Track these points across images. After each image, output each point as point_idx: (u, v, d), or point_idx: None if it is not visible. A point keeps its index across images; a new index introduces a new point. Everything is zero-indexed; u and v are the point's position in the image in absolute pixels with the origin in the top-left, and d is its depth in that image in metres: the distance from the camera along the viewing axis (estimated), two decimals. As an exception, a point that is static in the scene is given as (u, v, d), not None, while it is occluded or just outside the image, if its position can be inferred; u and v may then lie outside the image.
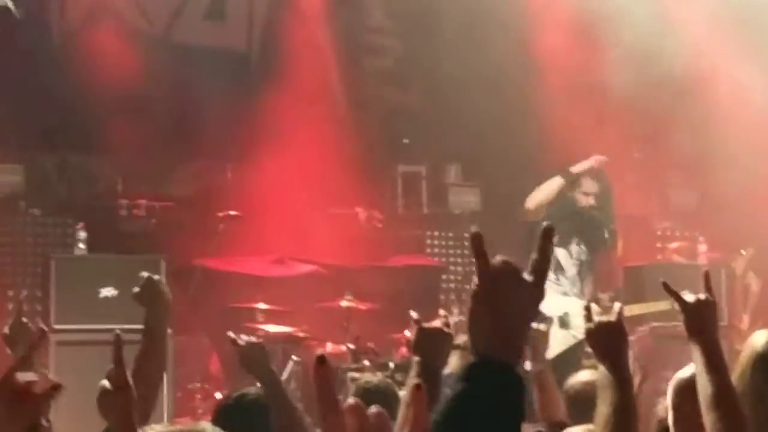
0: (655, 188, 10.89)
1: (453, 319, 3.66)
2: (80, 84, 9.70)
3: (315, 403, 1.57)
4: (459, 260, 10.67)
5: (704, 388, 3.09)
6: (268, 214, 9.56)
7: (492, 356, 1.85)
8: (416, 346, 3.40)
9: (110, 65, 9.85)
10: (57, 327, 8.21)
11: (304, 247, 9.80)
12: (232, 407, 4.41)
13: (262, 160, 9.95)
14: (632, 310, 7.80)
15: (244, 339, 4.37)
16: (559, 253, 8.43)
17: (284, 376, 7.61)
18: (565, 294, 8.27)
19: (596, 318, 3.16)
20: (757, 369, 3.28)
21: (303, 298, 8.77)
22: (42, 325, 4.73)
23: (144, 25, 10.90)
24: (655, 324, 8.43)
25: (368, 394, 4.62)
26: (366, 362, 7.89)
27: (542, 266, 1.91)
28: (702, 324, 3.22)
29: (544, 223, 1.93)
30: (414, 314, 3.49)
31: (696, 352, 3.17)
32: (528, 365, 4.68)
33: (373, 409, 1.60)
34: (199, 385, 8.88)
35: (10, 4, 4.24)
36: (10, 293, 8.98)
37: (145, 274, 4.25)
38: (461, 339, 4.70)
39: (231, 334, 4.32)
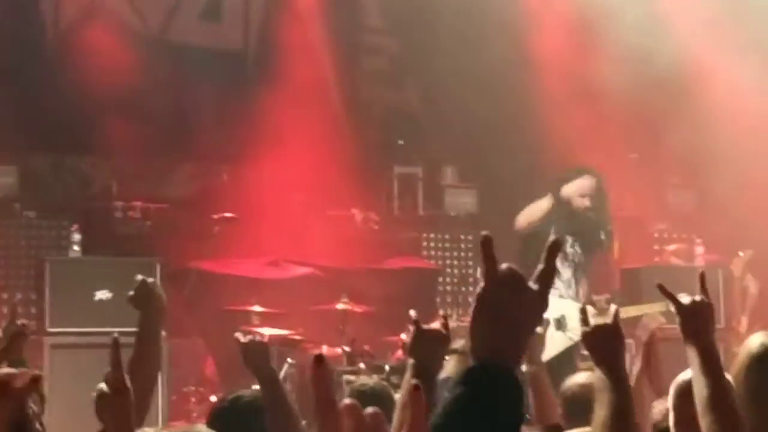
0: (652, 190, 10.87)
1: (451, 324, 3.62)
2: (75, 85, 9.68)
3: (310, 405, 1.56)
4: (455, 262, 10.65)
5: (700, 391, 3.09)
6: (263, 216, 9.54)
7: (492, 360, 1.86)
8: (412, 348, 3.36)
9: (105, 66, 9.83)
10: (51, 330, 8.18)
11: (300, 250, 9.78)
12: (227, 410, 4.39)
13: (258, 162, 9.94)
14: (627, 311, 7.78)
15: (248, 337, 4.38)
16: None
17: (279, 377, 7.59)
18: (561, 297, 8.25)
19: (592, 321, 3.14)
20: (753, 371, 3.29)
21: (298, 301, 8.75)
22: (24, 321, 4.73)
23: (139, 25, 10.88)
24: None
25: (363, 397, 4.60)
26: (361, 365, 7.87)
27: (548, 276, 1.94)
28: (698, 326, 3.21)
29: (552, 237, 1.96)
30: (413, 313, 3.44)
31: (692, 355, 3.16)
32: (523, 367, 4.66)
33: (370, 409, 1.59)
34: (193, 388, 8.85)
35: None
36: (5, 296, 8.96)
37: (139, 277, 4.24)
38: (458, 343, 4.68)
39: (238, 335, 4.34)
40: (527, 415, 4.52)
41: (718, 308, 8.62)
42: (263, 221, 9.50)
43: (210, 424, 4.35)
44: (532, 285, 1.93)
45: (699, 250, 10.02)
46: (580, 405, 4.05)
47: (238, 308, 8.53)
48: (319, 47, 10.96)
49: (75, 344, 8.05)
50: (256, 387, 4.46)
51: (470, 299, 9.94)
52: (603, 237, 8.72)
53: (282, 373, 7.94)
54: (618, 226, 9.56)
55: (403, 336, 7.86)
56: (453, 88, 10.75)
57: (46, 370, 7.96)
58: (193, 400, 8.73)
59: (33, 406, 3.06)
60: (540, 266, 1.96)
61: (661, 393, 3.58)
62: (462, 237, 10.72)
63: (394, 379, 7.00)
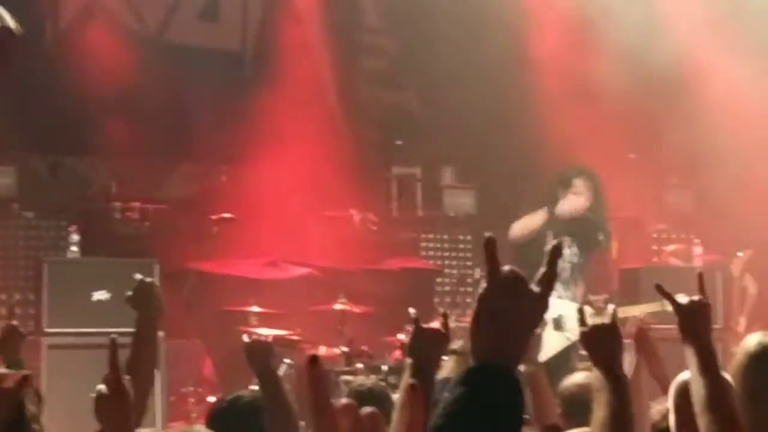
0: (650, 190, 10.87)
1: (450, 324, 3.62)
2: (73, 85, 9.68)
3: (307, 404, 1.55)
4: (454, 263, 10.64)
5: (698, 391, 3.09)
6: (262, 216, 9.53)
7: (492, 361, 1.87)
8: (411, 347, 3.35)
9: (103, 66, 9.82)
10: (49, 330, 8.18)
11: (298, 250, 9.78)
12: (226, 410, 4.39)
13: (256, 162, 9.93)
14: (625, 311, 7.78)
15: (252, 337, 4.41)
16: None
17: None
18: (559, 297, 8.24)
19: (590, 321, 3.14)
20: (750, 370, 3.29)
21: (297, 301, 8.74)
22: (14, 322, 4.73)
23: (137, 26, 10.87)
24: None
25: (361, 397, 4.60)
26: (359, 365, 7.86)
27: (549, 279, 1.97)
28: (696, 326, 3.21)
29: (554, 240, 1.99)
30: (413, 311, 3.43)
31: (690, 355, 3.16)
32: (521, 367, 4.64)
33: (367, 409, 1.59)
34: (192, 388, 8.85)
35: (11, 23, 4.10)
36: (3, 297, 8.95)
37: (138, 276, 4.24)
38: (457, 344, 4.67)
39: (245, 337, 4.37)
40: (527, 416, 4.52)
41: (717, 308, 8.66)
42: (262, 222, 9.50)
43: (209, 425, 4.35)
44: (534, 287, 1.95)
45: (697, 250, 10.01)
46: (578, 405, 4.05)
47: (236, 309, 8.53)
48: (318, 47, 10.96)
49: (73, 345, 8.05)
50: (255, 387, 4.46)
51: (468, 300, 9.98)
52: (601, 237, 8.72)
53: (280, 374, 7.94)
54: (617, 226, 9.56)
55: (401, 336, 7.88)
56: (451, 88, 10.74)
57: (43, 370, 7.96)
58: (192, 400, 8.73)
59: (31, 407, 3.05)
60: (542, 269, 1.98)
61: (666, 389, 3.57)
62: (461, 237, 10.71)
63: (392, 379, 6.99)
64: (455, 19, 10.48)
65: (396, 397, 3.85)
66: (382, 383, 5.50)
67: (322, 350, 8.18)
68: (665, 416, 3.49)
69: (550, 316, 8.17)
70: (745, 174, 9.60)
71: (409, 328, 3.44)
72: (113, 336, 3.00)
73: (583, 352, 3.27)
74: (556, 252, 2.01)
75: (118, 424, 2.98)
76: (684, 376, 3.30)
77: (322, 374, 1.56)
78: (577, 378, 4.58)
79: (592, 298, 8.10)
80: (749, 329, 8.59)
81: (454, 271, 10.52)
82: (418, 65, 11.46)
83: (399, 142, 11.12)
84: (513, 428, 1.86)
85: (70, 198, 10.17)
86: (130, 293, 4.18)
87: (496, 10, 10.12)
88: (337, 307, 8.36)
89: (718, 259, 9.91)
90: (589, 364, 3.20)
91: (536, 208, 8.65)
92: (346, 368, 7.81)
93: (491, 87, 10.31)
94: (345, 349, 8.07)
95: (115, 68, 9.84)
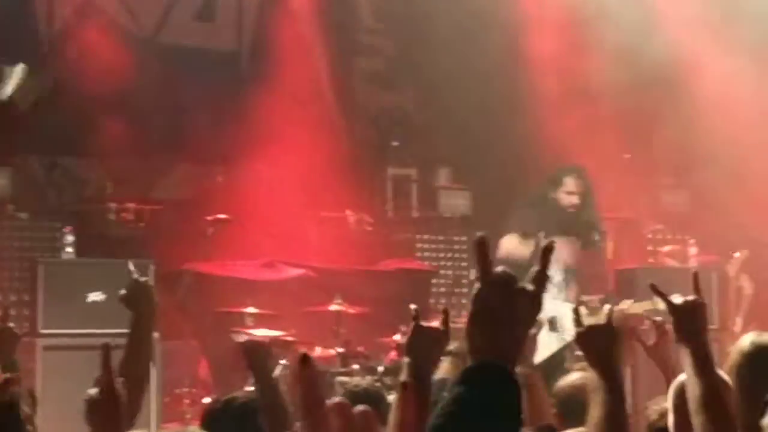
0: (645, 191, 10.87)
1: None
2: (68, 86, 9.66)
3: (299, 402, 1.55)
4: (449, 264, 10.64)
5: (693, 390, 3.09)
6: (257, 217, 9.53)
7: (490, 360, 1.88)
8: (409, 344, 3.30)
9: (99, 67, 9.82)
10: (44, 332, 8.16)
11: (294, 251, 9.77)
12: (221, 411, 4.38)
13: (252, 163, 9.92)
14: (627, 309, 7.80)
15: (244, 338, 4.39)
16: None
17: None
18: (554, 298, 8.24)
19: (586, 321, 3.14)
20: (744, 369, 3.30)
21: (292, 302, 8.73)
22: (9, 324, 4.71)
23: (133, 26, 10.87)
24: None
25: (356, 398, 4.58)
26: (355, 366, 7.85)
27: (542, 278, 1.98)
28: (691, 326, 3.20)
29: (546, 240, 2.00)
30: (414, 307, 3.38)
31: (685, 355, 3.16)
32: (517, 368, 4.63)
33: (360, 407, 1.59)
34: (187, 389, 8.84)
35: (9, 89, 3.95)
36: (-2, 297, 8.93)
37: (132, 267, 4.20)
38: (452, 345, 4.65)
39: (239, 337, 4.34)
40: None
41: (712, 309, 8.66)
42: (257, 223, 9.49)
43: (203, 426, 4.34)
44: (527, 286, 1.96)
45: (693, 251, 10.02)
46: (573, 405, 4.04)
47: (232, 310, 8.52)
48: (314, 48, 10.95)
49: (68, 346, 8.03)
50: (250, 389, 4.45)
51: (464, 301, 9.97)
52: (597, 238, 8.72)
53: (275, 375, 7.93)
54: (612, 227, 9.55)
55: (397, 337, 7.87)
56: (447, 89, 10.75)
57: (38, 372, 7.94)
58: (187, 401, 8.72)
59: (25, 408, 3.04)
60: (534, 269, 1.99)
61: (670, 379, 3.57)
62: (456, 238, 10.71)
63: (387, 380, 6.99)
64: (451, 21, 10.48)
65: (392, 398, 3.84)
66: (378, 384, 5.49)
67: (318, 351, 8.18)
68: (663, 415, 3.49)
69: (544, 317, 8.17)
70: (740, 174, 9.61)
71: (405, 328, 3.40)
72: (106, 341, 2.98)
73: (579, 353, 3.26)
74: (548, 252, 2.01)
75: (109, 429, 2.96)
76: (683, 376, 3.30)
77: (313, 373, 1.56)
78: (572, 378, 4.57)
79: (585, 298, 8.08)
80: (745, 329, 8.58)
81: (450, 272, 10.51)
82: (414, 66, 11.46)
83: (395, 143, 11.12)
84: (512, 427, 1.87)
85: (66, 199, 10.17)
86: (123, 292, 4.15)
87: (492, 12, 10.12)
88: (333, 308, 8.35)
89: (714, 260, 9.91)
90: (584, 364, 3.19)
91: (528, 208, 8.64)
92: (342, 369, 7.81)
93: (487, 88, 10.31)
94: (340, 349, 8.07)
95: (110, 69, 9.84)
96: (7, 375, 2.27)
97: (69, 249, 8.77)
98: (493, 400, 1.85)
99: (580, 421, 3.28)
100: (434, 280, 10.45)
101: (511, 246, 8.30)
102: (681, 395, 3.28)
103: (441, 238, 10.74)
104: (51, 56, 10.33)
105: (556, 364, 7.80)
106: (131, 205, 9.94)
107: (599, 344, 3.08)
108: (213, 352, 8.95)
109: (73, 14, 10.61)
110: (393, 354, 8.03)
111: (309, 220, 10.16)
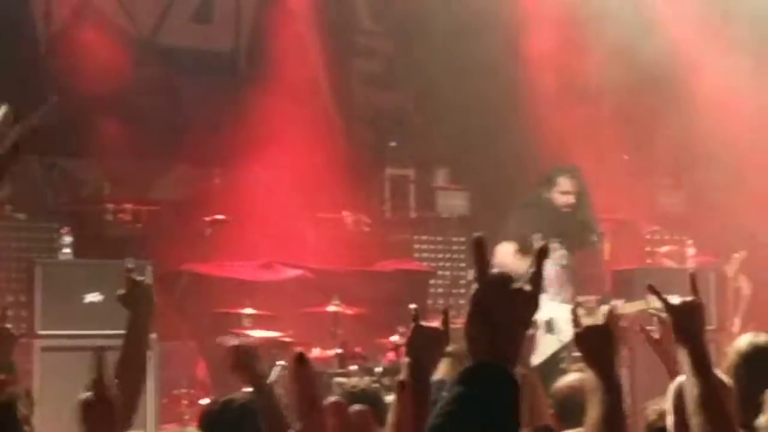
0: (643, 192, 10.87)
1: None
2: (66, 87, 9.65)
3: (295, 402, 1.54)
4: (447, 264, 10.64)
5: (691, 391, 3.09)
6: (255, 218, 9.52)
7: (489, 360, 1.88)
8: (410, 344, 3.30)
9: (96, 68, 9.81)
10: (42, 332, 8.15)
11: (292, 252, 9.77)
12: (219, 413, 4.37)
13: (250, 164, 9.92)
14: (626, 308, 7.80)
15: (234, 342, 4.35)
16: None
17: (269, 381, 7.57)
18: (551, 300, 8.24)
19: (584, 322, 3.13)
20: (741, 369, 3.30)
21: (290, 303, 8.73)
22: (7, 325, 4.70)
23: (130, 27, 10.86)
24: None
25: (354, 399, 4.58)
26: (353, 367, 7.85)
27: (538, 278, 1.98)
28: (689, 327, 3.20)
29: (541, 241, 2.01)
30: (413, 306, 3.38)
31: (683, 355, 3.15)
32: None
33: (356, 407, 1.58)
34: (185, 390, 8.83)
35: None
36: (-5, 298, 8.92)
37: (130, 265, 4.19)
38: (451, 346, 4.65)
39: (229, 339, 4.31)
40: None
41: (710, 309, 8.66)
42: (255, 223, 9.49)
43: (201, 427, 4.34)
44: (524, 286, 1.96)
45: (690, 251, 10.01)
46: (571, 406, 4.04)
47: (230, 310, 8.51)
48: (312, 48, 10.95)
49: (65, 347, 8.01)
50: (248, 390, 4.44)
51: (462, 301, 9.96)
52: (594, 238, 8.71)
53: (273, 376, 7.92)
54: (610, 228, 9.55)
55: (394, 338, 7.87)
56: (445, 90, 10.75)
57: (36, 373, 7.93)
58: (185, 402, 8.71)
59: (22, 409, 3.03)
60: (529, 269, 1.99)
61: (674, 374, 3.57)
62: (454, 239, 10.71)
63: (385, 380, 6.98)
64: (449, 22, 10.48)
65: (390, 398, 3.83)
66: (376, 385, 5.48)
67: (316, 352, 8.18)
68: (661, 415, 3.49)
69: (541, 318, 8.16)
70: (738, 175, 9.61)
71: (403, 329, 3.41)
72: (100, 345, 2.97)
73: (576, 353, 3.26)
74: (543, 252, 2.02)
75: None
76: (683, 377, 3.30)
77: (309, 372, 1.56)
78: (570, 379, 4.57)
79: (581, 299, 8.07)
80: (744, 330, 8.59)
81: (448, 273, 10.52)
82: (412, 67, 11.46)
83: (392, 144, 11.12)
84: (512, 427, 1.87)
85: (63, 200, 10.16)
86: (121, 291, 4.14)
87: (490, 13, 10.12)
88: (331, 308, 8.35)
89: (712, 260, 9.91)
90: (581, 365, 3.19)
91: (523, 209, 8.63)
92: (340, 370, 7.80)
93: (485, 89, 10.31)
94: (338, 350, 8.07)
95: (108, 70, 9.83)
96: (3, 376, 2.26)
97: (66, 250, 8.75)
98: (493, 399, 1.85)
99: (577, 422, 3.28)
100: (432, 281, 10.46)
101: (507, 260, 8.25)
102: (681, 396, 3.28)
103: (439, 238, 10.74)
104: (49, 57, 10.32)
105: (553, 365, 7.80)
106: (129, 206, 9.93)
107: (597, 345, 3.08)
108: (211, 352, 8.94)
109: (71, 15, 10.61)
110: (391, 355, 8.03)
111: (306, 221, 10.16)
